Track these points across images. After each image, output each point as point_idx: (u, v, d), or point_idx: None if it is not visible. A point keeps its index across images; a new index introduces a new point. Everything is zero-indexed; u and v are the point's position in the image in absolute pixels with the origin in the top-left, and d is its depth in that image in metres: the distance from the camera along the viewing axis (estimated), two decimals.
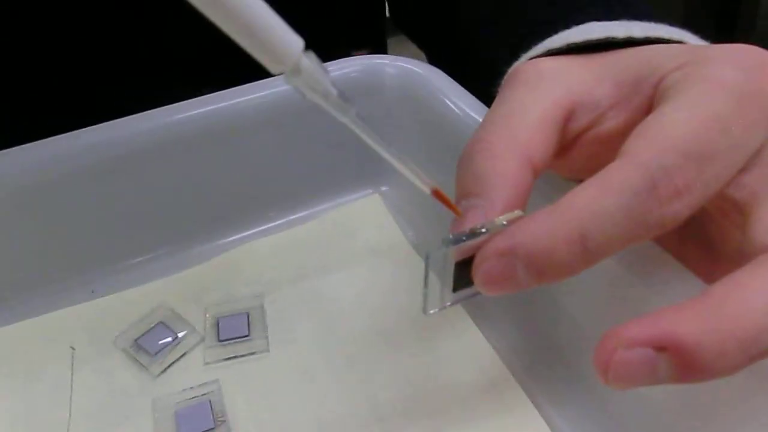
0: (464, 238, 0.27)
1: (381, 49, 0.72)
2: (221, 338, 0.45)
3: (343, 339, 0.44)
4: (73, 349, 0.45)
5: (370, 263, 0.49)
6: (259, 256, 0.50)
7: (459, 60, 0.58)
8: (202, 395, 0.41)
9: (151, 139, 0.49)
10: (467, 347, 0.42)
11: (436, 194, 0.28)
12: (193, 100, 0.50)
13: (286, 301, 0.47)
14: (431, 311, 0.29)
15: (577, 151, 0.33)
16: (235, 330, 0.45)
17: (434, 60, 0.67)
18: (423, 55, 0.66)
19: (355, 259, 0.50)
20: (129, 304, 0.48)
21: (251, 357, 0.44)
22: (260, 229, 0.53)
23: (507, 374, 0.40)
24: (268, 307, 0.47)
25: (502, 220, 0.27)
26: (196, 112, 0.50)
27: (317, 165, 0.54)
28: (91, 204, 0.49)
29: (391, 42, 0.74)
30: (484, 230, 0.27)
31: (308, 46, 0.23)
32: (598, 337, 0.24)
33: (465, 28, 0.56)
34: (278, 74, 0.23)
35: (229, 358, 0.44)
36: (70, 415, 0.41)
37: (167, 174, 0.50)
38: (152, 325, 0.46)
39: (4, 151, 0.46)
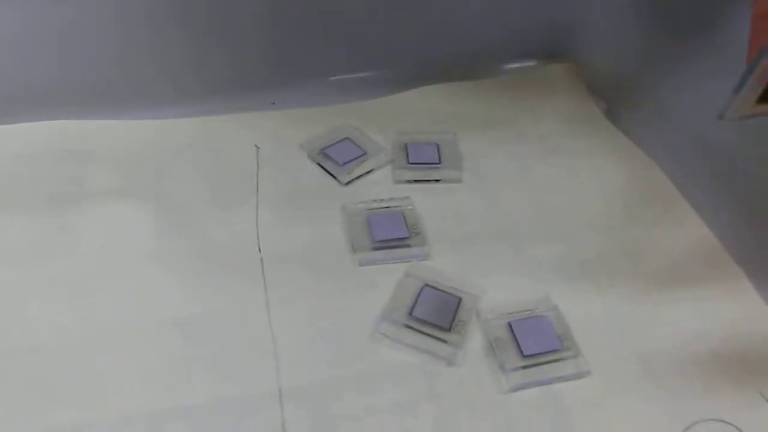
0: None
1: None
2: (412, 161, 0.43)
3: (538, 185, 0.42)
4: (258, 147, 0.44)
5: (561, 123, 0.47)
6: (451, 98, 0.49)
7: None
8: (394, 207, 0.40)
9: None
10: (675, 216, 0.40)
11: None
12: None
13: (477, 142, 0.45)
14: (730, 116, 0.26)
15: None
16: (426, 156, 0.44)
17: None
18: None
19: (546, 118, 0.48)
20: (314, 118, 0.47)
21: (442, 184, 0.42)
22: (448, 75, 0.51)
23: (719, 246, 0.38)
24: (458, 142, 0.45)
25: None
26: None
27: (511, 27, 0.52)
28: (284, 20, 0.48)
29: None
30: None
31: None
32: None
33: None
34: None
35: (419, 181, 0.42)
36: (257, 205, 0.40)
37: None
38: (339, 140, 0.45)
39: None
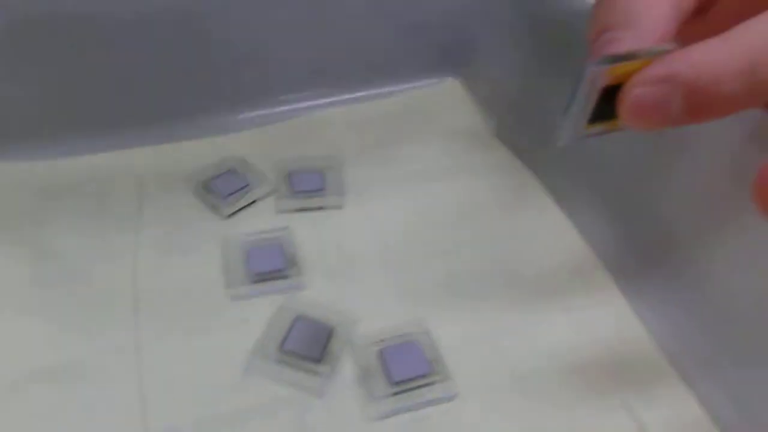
0: (621, 59, 0.25)
1: None
2: (294, 190, 0.43)
3: (420, 205, 0.43)
4: (142, 185, 0.44)
5: (448, 142, 0.48)
6: (338, 122, 0.49)
7: None
8: (273, 238, 0.40)
9: None
10: (551, 229, 0.41)
11: None
12: None
13: (362, 166, 0.46)
14: (562, 143, 0.27)
15: (720, 7, 0.31)
16: (309, 184, 0.44)
17: None
18: None
19: (433, 137, 0.48)
20: (198, 151, 0.47)
21: (324, 211, 0.42)
22: (333, 99, 0.52)
23: (591, 255, 0.39)
24: (343, 168, 0.45)
25: (658, 48, 0.25)
26: None
27: (397, 45, 0.52)
28: (171, 53, 0.47)
29: None
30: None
31: None
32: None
33: None
34: None
35: (302, 210, 0.42)
36: (136, 245, 0.40)
37: (240, 29, 0.48)
38: (222, 171, 0.45)
39: None
